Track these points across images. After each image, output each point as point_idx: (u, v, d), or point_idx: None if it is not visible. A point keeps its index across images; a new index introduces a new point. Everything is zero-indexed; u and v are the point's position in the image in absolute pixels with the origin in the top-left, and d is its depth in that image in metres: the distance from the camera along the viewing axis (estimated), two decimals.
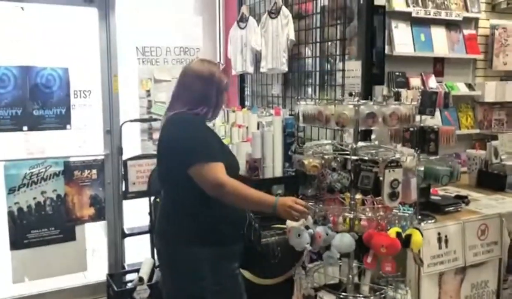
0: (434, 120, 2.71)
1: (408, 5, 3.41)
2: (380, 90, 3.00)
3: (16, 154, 3.56)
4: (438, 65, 3.72)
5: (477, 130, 3.88)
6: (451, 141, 2.62)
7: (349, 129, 2.49)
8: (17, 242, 3.51)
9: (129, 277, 3.56)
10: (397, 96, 2.80)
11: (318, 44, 3.23)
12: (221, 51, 4.33)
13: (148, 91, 4.02)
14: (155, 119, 3.91)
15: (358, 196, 2.09)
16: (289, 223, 2.11)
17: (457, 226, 2.46)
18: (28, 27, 3.51)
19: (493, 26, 3.87)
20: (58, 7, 3.58)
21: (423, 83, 3.56)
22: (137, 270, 3.31)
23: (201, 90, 2.07)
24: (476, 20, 3.82)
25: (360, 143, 2.10)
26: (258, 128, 3.03)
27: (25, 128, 3.51)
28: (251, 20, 3.67)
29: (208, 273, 2.02)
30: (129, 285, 3.28)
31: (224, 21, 4.32)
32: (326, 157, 2.07)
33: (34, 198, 3.55)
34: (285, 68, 3.38)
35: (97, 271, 3.81)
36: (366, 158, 1.97)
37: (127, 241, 3.83)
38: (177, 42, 4.12)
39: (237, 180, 2.01)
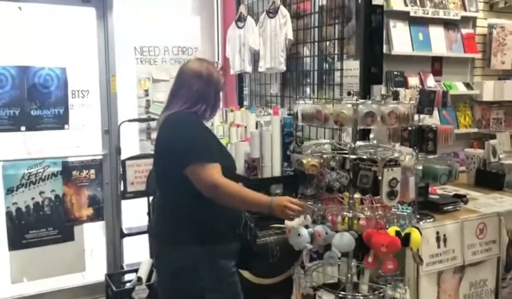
0: (432, 120, 2.71)
1: (406, 5, 3.42)
2: (379, 90, 2.99)
3: (14, 154, 3.55)
4: (436, 64, 3.73)
5: (475, 130, 3.89)
6: (449, 140, 2.63)
7: (348, 129, 2.49)
8: (16, 242, 3.51)
9: (127, 277, 3.56)
10: (396, 96, 2.80)
11: (316, 43, 3.23)
12: (219, 50, 4.33)
13: (146, 91, 4.02)
14: (154, 119, 3.91)
15: (357, 195, 2.09)
16: (288, 223, 2.11)
17: (455, 225, 2.46)
18: (25, 27, 3.51)
19: (491, 25, 3.88)
20: (56, 6, 3.58)
21: (422, 82, 3.57)
22: (136, 270, 3.30)
23: (199, 89, 2.07)
24: (474, 19, 3.83)
25: (359, 143, 2.10)
26: (256, 128, 3.02)
27: (23, 128, 3.50)
28: (249, 20, 3.67)
29: (206, 272, 2.02)
30: (128, 285, 3.28)
31: (222, 21, 4.32)
32: (324, 156, 2.06)
33: (33, 198, 3.55)
34: (283, 67, 3.37)
35: (95, 271, 3.81)
36: (364, 157, 1.97)
37: (126, 241, 3.83)
38: (175, 42, 4.12)
39: (235, 178, 2.03)
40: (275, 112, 2.90)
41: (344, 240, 1.96)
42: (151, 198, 3.39)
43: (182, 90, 2.09)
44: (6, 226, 3.48)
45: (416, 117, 2.40)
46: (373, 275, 2.21)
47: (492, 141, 3.24)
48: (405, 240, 1.97)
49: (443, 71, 3.76)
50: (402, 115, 2.01)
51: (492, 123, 3.95)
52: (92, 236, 3.86)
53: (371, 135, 2.49)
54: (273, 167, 2.83)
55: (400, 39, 3.41)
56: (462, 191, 2.95)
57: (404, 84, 3.45)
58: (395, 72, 3.44)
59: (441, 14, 3.56)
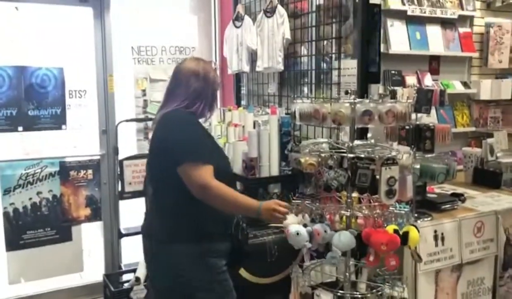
0: (430, 119, 2.72)
1: (403, 4, 3.41)
2: (376, 89, 3.00)
3: (12, 154, 3.55)
4: (434, 63, 3.73)
5: (473, 128, 3.89)
6: (447, 139, 2.62)
7: (345, 128, 2.50)
8: (13, 243, 3.50)
9: (125, 277, 3.56)
10: (393, 95, 2.80)
11: (313, 42, 3.23)
12: (217, 50, 4.33)
13: (143, 90, 4.02)
14: (151, 119, 3.89)
15: (355, 194, 2.09)
16: (286, 222, 2.11)
17: (453, 224, 2.47)
18: (22, 27, 3.50)
19: (488, 24, 3.88)
20: (53, 6, 3.58)
21: (419, 81, 3.57)
22: (134, 270, 3.30)
23: (197, 88, 2.08)
24: (471, 18, 3.83)
25: (357, 142, 2.10)
26: (254, 127, 3.02)
27: (20, 128, 3.50)
28: (247, 19, 3.67)
29: (197, 271, 2.03)
30: (126, 285, 3.27)
31: (219, 20, 4.32)
32: (322, 155, 2.07)
33: (30, 199, 3.54)
34: (281, 67, 3.38)
35: (93, 271, 3.81)
36: (362, 156, 1.97)
37: (124, 241, 3.83)
38: (173, 42, 4.12)
39: (229, 180, 2.05)
40: (272, 112, 2.90)
41: (344, 239, 1.96)
42: None
43: (179, 89, 2.09)
44: (4, 227, 3.47)
45: (413, 116, 2.41)
46: (371, 274, 2.22)
47: (489, 140, 3.24)
48: (403, 238, 1.97)
49: (440, 70, 3.75)
50: (399, 114, 2.02)
51: (490, 122, 3.96)
52: (90, 236, 3.85)
53: (369, 135, 2.49)
54: (271, 166, 2.82)
55: (397, 38, 3.41)
56: (459, 190, 2.95)
57: (402, 83, 3.45)
58: (393, 71, 3.44)
59: (438, 13, 3.56)
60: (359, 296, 2.12)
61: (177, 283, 2.05)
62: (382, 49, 3.00)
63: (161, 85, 3.98)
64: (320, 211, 2.07)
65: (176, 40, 4.13)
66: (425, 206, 2.58)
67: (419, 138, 2.47)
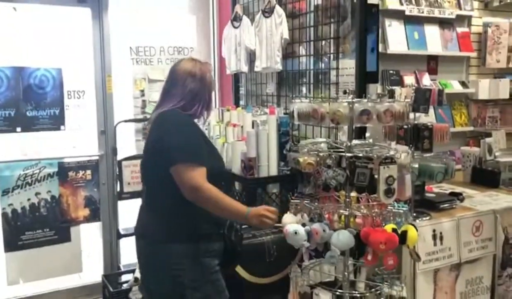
0: (428, 118, 2.72)
1: (401, 4, 3.42)
2: (375, 89, 3.00)
3: (10, 155, 3.54)
4: (432, 63, 3.74)
5: (471, 128, 3.90)
6: (445, 138, 2.63)
7: (344, 128, 2.50)
8: (12, 243, 3.50)
9: (124, 277, 3.55)
10: (391, 94, 2.81)
11: (312, 43, 3.23)
12: (215, 50, 4.33)
13: (142, 91, 4.02)
14: None
15: (353, 194, 2.09)
16: (285, 221, 2.11)
17: (452, 223, 2.47)
18: (21, 27, 3.50)
19: (486, 24, 3.89)
20: (51, 7, 3.58)
21: (417, 81, 3.58)
22: (133, 271, 3.29)
23: (193, 89, 2.09)
24: (469, 18, 3.84)
25: (355, 141, 2.11)
26: (252, 127, 3.02)
27: (18, 129, 3.50)
28: (245, 19, 3.67)
29: (187, 270, 2.03)
30: (125, 285, 3.27)
31: (218, 21, 4.32)
32: (321, 154, 2.07)
33: (28, 199, 3.54)
34: (279, 67, 3.38)
35: (92, 272, 3.80)
36: (360, 155, 1.97)
37: (123, 241, 3.82)
38: (171, 42, 4.12)
39: (224, 182, 2.09)
40: (271, 112, 2.90)
41: (342, 238, 1.96)
42: None
43: (175, 89, 2.10)
44: (2, 228, 3.47)
45: (411, 115, 2.41)
46: (370, 273, 2.22)
47: (488, 140, 3.25)
48: (402, 237, 1.98)
49: (438, 70, 3.76)
50: (397, 113, 2.02)
51: (488, 122, 3.97)
52: (89, 236, 3.85)
53: (367, 134, 2.49)
54: (269, 166, 2.82)
55: (395, 38, 3.42)
56: (458, 189, 2.96)
57: (400, 83, 3.46)
58: (391, 71, 3.45)
59: (436, 13, 3.57)
60: (358, 295, 2.13)
61: (170, 283, 2.05)
62: (380, 49, 3.01)
63: (160, 85, 3.91)
64: (319, 210, 2.07)
65: (174, 40, 4.13)
66: (424, 205, 2.58)
67: (417, 137, 2.48)
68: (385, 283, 2.12)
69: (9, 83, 3.44)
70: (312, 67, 3.25)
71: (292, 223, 2.07)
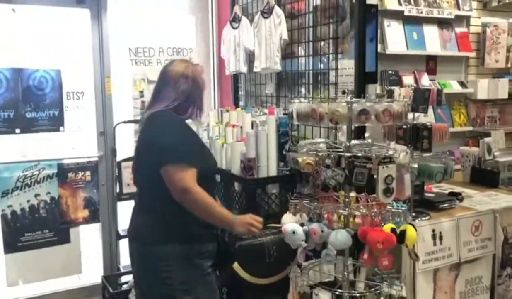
0: (427, 118, 2.72)
1: (400, 4, 3.43)
2: (374, 89, 3.01)
3: (9, 156, 3.53)
4: (431, 63, 3.74)
5: (470, 128, 3.91)
6: (444, 138, 2.63)
7: (343, 128, 2.50)
8: (11, 245, 3.49)
9: (124, 278, 3.55)
10: (390, 94, 2.81)
11: (311, 43, 3.23)
12: (214, 51, 4.33)
13: (141, 92, 4.01)
14: None
15: (352, 194, 2.09)
16: (284, 221, 2.11)
17: (451, 223, 2.47)
18: (19, 29, 3.50)
19: (485, 24, 3.90)
20: (50, 8, 3.57)
21: (416, 81, 3.58)
22: (133, 272, 3.29)
23: (185, 90, 2.10)
24: (468, 18, 3.85)
25: (354, 141, 2.11)
26: (252, 128, 3.02)
27: (17, 130, 3.49)
28: (244, 20, 3.67)
29: (179, 272, 2.03)
30: (125, 286, 3.28)
31: (217, 21, 4.32)
32: (320, 154, 2.07)
33: (28, 201, 3.54)
34: (278, 67, 3.38)
35: (92, 273, 3.80)
36: (359, 155, 1.98)
37: (122, 242, 3.81)
38: (170, 43, 4.11)
39: (214, 184, 2.14)
40: (270, 112, 2.91)
41: (339, 238, 1.96)
42: None
43: (168, 89, 2.10)
44: (2, 229, 3.46)
45: (411, 115, 2.41)
46: (370, 273, 2.22)
47: (487, 139, 3.25)
48: (401, 237, 1.98)
49: (437, 70, 3.77)
50: (395, 113, 2.02)
51: (487, 122, 3.97)
52: (88, 238, 3.85)
53: (367, 134, 2.50)
54: (269, 166, 2.83)
55: (394, 38, 3.42)
56: (457, 189, 2.96)
57: (399, 83, 3.46)
58: (390, 71, 3.45)
59: (435, 13, 3.57)
60: (358, 295, 2.13)
61: (163, 284, 2.04)
62: (379, 49, 3.01)
63: None
64: (318, 210, 2.07)
65: (173, 41, 4.12)
66: (423, 205, 2.59)
67: (416, 137, 2.48)
68: (385, 282, 2.12)
69: (8, 85, 3.43)
70: (311, 67, 3.26)
71: (291, 222, 2.07)
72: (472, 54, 3.87)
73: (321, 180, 2.09)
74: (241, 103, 4.11)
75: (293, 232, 2.02)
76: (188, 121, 2.18)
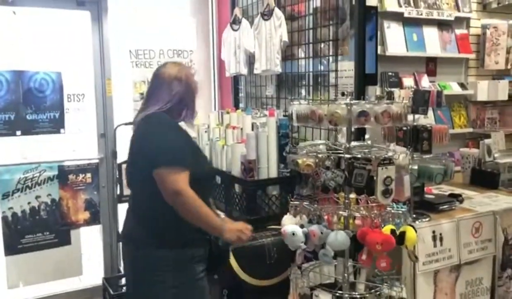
0: (427, 120, 2.72)
1: (400, 6, 3.43)
2: (373, 91, 3.01)
3: (10, 158, 3.54)
4: (431, 64, 3.74)
5: (470, 129, 3.90)
6: (444, 140, 2.63)
7: (343, 130, 2.50)
8: (12, 247, 3.50)
9: (125, 280, 3.54)
10: (390, 96, 2.81)
11: (311, 45, 3.24)
12: (215, 53, 4.34)
13: (141, 94, 4.01)
14: None
15: (352, 195, 2.09)
16: (284, 223, 2.12)
17: (451, 224, 2.47)
18: (20, 31, 3.51)
19: (485, 26, 3.90)
20: (51, 10, 3.58)
21: (416, 82, 3.58)
22: None
23: (179, 92, 2.10)
24: (468, 20, 3.85)
25: (353, 143, 2.11)
26: (252, 129, 3.03)
27: (18, 132, 3.50)
28: (244, 22, 3.68)
29: (171, 276, 2.02)
30: (125, 288, 3.27)
31: (217, 23, 4.33)
32: (320, 155, 2.07)
33: (29, 203, 3.54)
34: (278, 69, 3.39)
35: (93, 275, 3.80)
36: (359, 156, 1.98)
37: None
38: (171, 45, 4.13)
39: (208, 187, 2.15)
40: (270, 114, 2.91)
41: (338, 238, 1.96)
42: None
43: (161, 92, 2.10)
44: (2, 231, 3.47)
45: (411, 117, 2.41)
46: (370, 274, 2.22)
47: (487, 141, 3.25)
48: (400, 238, 1.97)
49: (437, 71, 3.77)
50: (395, 114, 2.02)
51: (487, 123, 3.97)
52: (89, 239, 3.85)
53: (366, 136, 2.50)
54: (269, 168, 2.83)
55: (394, 40, 3.42)
56: (457, 190, 2.96)
57: (399, 84, 3.46)
58: (390, 73, 3.45)
59: (435, 15, 3.57)
60: (358, 296, 2.13)
61: (154, 288, 2.03)
62: (379, 51, 3.01)
63: None
64: (318, 211, 2.07)
65: (174, 43, 4.14)
66: (423, 206, 2.59)
67: (416, 139, 2.48)
68: (385, 284, 2.12)
69: (9, 87, 3.44)
70: (311, 69, 3.26)
71: (291, 224, 2.08)
72: (472, 56, 3.87)
73: (320, 181, 2.09)
74: (241, 105, 4.12)
75: (293, 234, 2.02)
76: (181, 123, 2.19)
